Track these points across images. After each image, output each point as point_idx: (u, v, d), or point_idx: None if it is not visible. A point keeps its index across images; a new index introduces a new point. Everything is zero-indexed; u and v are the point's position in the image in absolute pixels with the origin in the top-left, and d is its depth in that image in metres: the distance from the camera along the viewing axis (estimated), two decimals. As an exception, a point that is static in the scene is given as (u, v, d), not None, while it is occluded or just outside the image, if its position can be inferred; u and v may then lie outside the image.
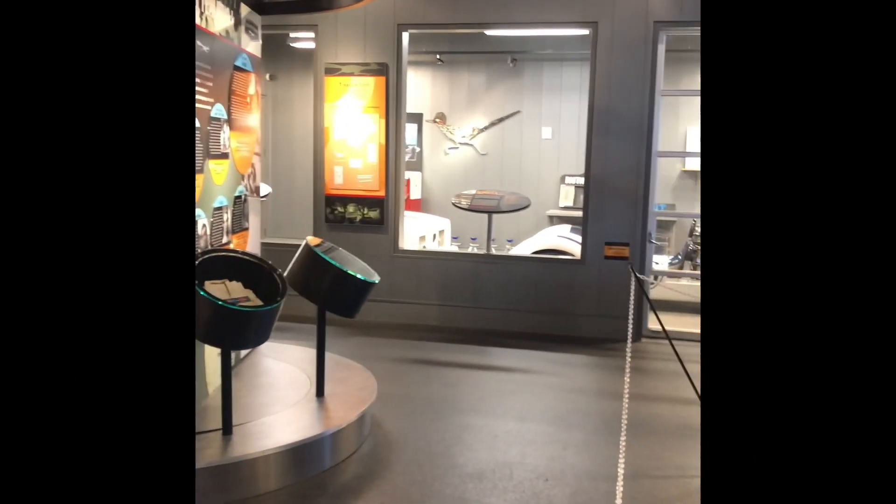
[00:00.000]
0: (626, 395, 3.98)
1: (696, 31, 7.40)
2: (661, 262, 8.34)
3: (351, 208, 7.52)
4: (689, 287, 8.09)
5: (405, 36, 7.37)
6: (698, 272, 8.42)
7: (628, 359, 4.27)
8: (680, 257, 8.73)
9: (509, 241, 9.73)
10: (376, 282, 4.50)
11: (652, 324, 7.00)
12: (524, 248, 8.35)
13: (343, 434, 4.19)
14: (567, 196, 10.88)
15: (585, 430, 4.77)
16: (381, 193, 7.44)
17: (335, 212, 7.57)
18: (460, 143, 11.32)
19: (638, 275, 5.24)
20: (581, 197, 10.40)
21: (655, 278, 7.56)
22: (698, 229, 8.77)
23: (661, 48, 6.85)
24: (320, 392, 4.57)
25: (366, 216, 7.49)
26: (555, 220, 10.52)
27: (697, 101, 10.97)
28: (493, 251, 8.24)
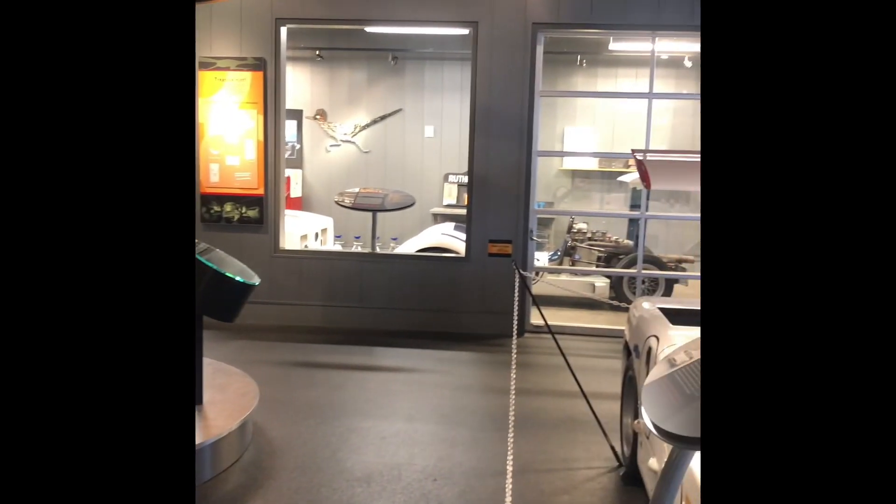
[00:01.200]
0: (513, 391, 4.02)
1: (572, 34, 7.61)
2: (541, 258, 8.53)
3: (228, 207, 7.23)
4: (569, 282, 8.32)
5: (283, 30, 7.16)
6: (577, 268, 8.67)
7: (514, 354, 4.32)
8: (559, 253, 8.96)
9: (394, 239, 9.68)
10: (256, 284, 4.33)
11: (534, 319, 7.14)
12: (409, 247, 8.32)
13: (223, 443, 4.00)
14: (450, 194, 10.95)
15: (472, 427, 4.79)
16: (260, 192, 7.20)
17: (211, 211, 7.26)
18: (342, 141, 11.16)
19: (522, 271, 5.32)
20: (464, 195, 10.52)
21: (537, 274, 7.73)
22: (576, 226, 9.03)
23: (540, 49, 6.99)
24: (198, 400, 4.35)
25: (244, 215, 7.23)
26: (439, 218, 10.56)
27: (574, 101, 11.27)
28: (378, 250, 8.16)
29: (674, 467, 1.76)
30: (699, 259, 8.23)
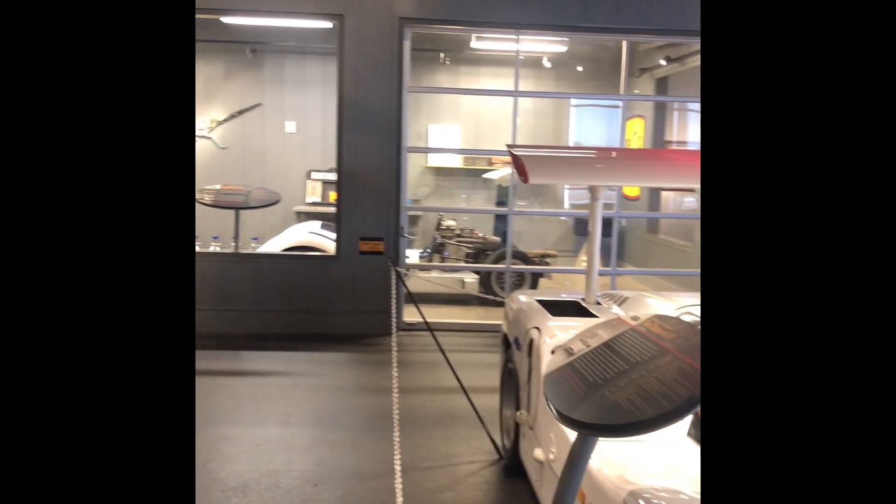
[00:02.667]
0: (396, 389, 3.95)
1: (437, 30, 7.63)
2: (411, 255, 8.51)
3: (75, 207, 6.68)
4: (439, 279, 8.35)
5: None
6: (447, 264, 8.72)
7: (395, 352, 4.25)
8: (429, 250, 8.97)
9: (255, 239, 9.32)
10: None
11: (407, 316, 7.10)
12: (273, 246, 8.04)
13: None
14: (315, 191, 10.70)
15: (351, 428, 4.67)
16: (112, 190, 6.69)
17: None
18: (198, 136, 10.63)
19: (397, 269, 5.26)
20: (329, 192, 10.30)
21: (408, 270, 7.69)
22: (444, 223, 9.08)
23: (407, 45, 6.96)
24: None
25: (94, 215, 6.70)
26: (303, 216, 10.28)
27: (438, 98, 11.32)
28: (239, 250, 7.83)
29: (578, 455, 1.76)
30: (561, 254, 8.54)
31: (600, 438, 1.87)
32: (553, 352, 3.19)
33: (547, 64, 10.63)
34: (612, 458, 2.35)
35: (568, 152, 4.84)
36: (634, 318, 2.09)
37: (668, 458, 2.40)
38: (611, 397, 1.64)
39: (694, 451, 2.39)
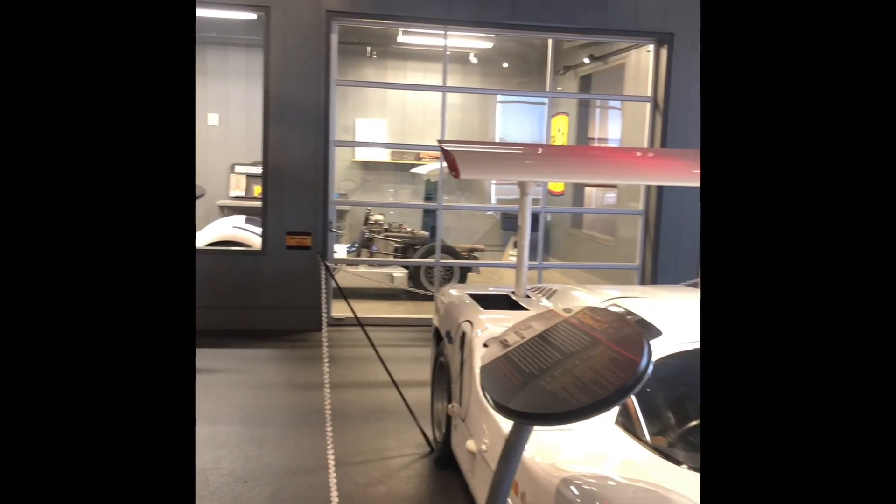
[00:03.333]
0: (328, 384, 3.93)
1: (364, 23, 7.59)
2: (339, 250, 8.45)
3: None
4: (368, 274, 8.32)
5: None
6: (375, 259, 8.70)
7: (325, 347, 4.23)
8: (357, 245, 8.93)
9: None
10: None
11: (335, 311, 7.06)
12: (196, 241, 7.86)
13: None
14: (238, 185, 10.49)
15: (280, 425, 4.63)
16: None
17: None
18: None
19: (327, 263, 5.23)
20: (254, 186, 10.11)
21: (336, 265, 7.64)
22: (372, 218, 9.06)
23: (334, 38, 6.90)
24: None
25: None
26: (226, 210, 10.07)
27: (365, 92, 11.25)
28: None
29: (514, 443, 1.81)
30: (489, 248, 8.64)
31: (535, 427, 1.93)
32: (486, 344, 3.24)
33: (473, 60, 10.72)
34: (543, 447, 2.41)
35: (499, 148, 4.91)
36: (567, 311, 2.15)
37: (597, 446, 2.48)
38: (546, 387, 1.69)
39: (621, 438, 2.48)
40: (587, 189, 11.08)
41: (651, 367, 1.58)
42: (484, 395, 1.89)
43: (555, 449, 2.42)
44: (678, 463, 2.29)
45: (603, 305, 3.18)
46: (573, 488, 2.05)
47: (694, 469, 2.25)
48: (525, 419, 1.71)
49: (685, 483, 2.07)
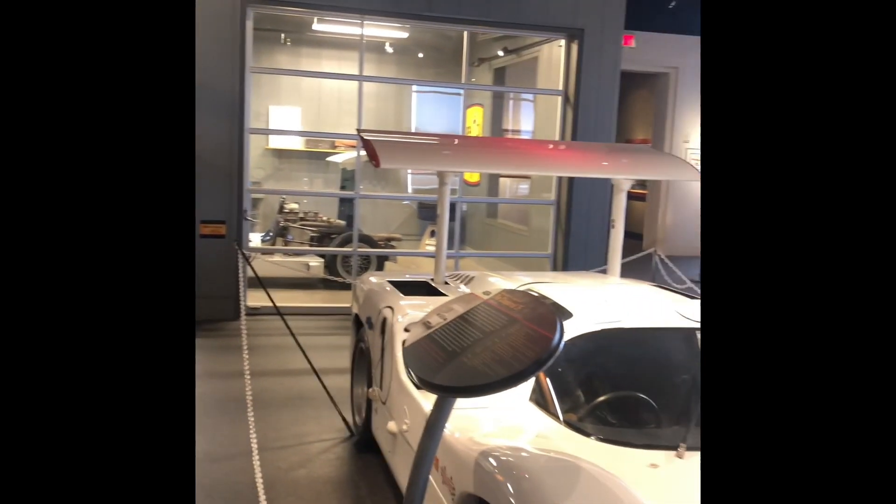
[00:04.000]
0: (248, 372, 3.95)
1: (281, 11, 7.53)
2: (254, 239, 8.37)
3: None
4: (284, 262, 8.28)
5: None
6: (289, 248, 8.66)
7: (244, 335, 4.23)
8: (272, 234, 8.86)
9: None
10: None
11: (250, 300, 7.01)
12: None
13: None
14: (147, 173, 10.19)
15: (199, 413, 4.60)
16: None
17: None
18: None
19: (244, 252, 5.21)
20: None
21: (251, 254, 7.57)
22: (287, 206, 9.00)
23: (249, 25, 6.82)
24: None
25: None
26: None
27: (279, 80, 11.10)
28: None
29: (437, 417, 1.92)
30: (406, 237, 8.70)
31: (456, 406, 2.05)
32: (407, 329, 3.35)
33: (389, 49, 10.76)
34: (462, 424, 2.54)
35: (418, 138, 5.01)
36: (486, 293, 2.28)
37: (513, 421, 2.62)
38: (468, 363, 1.81)
39: (535, 414, 2.63)
40: (502, 180, 11.32)
41: (563, 343, 1.72)
42: (408, 372, 1.99)
43: (473, 425, 2.55)
44: (588, 435, 2.46)
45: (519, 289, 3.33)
46: (491, 460, 2.17)
47: (601, 440, 2.43)
48: (449, 393, 1.82)
49: (594, 452, 2.23)
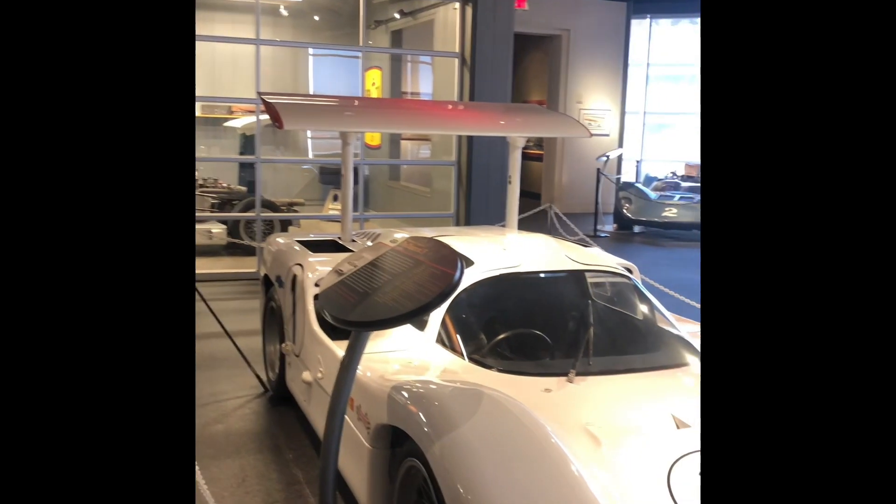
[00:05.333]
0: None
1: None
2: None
3: None
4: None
5: None
6: (197, 214, 8.53)
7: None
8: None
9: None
10: None
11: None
12: None
13: None
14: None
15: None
16: None
17: None
18: None
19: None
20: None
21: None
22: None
23: None
24: None
25: None
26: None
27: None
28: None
29: (354, 350, 2.10)
30: (308, 202, 8.70)
31: (367, 350, 2.24)
32: (317, 284, 3.50)
33: (284, 13, 10.63)
34: (373, 365, 2.73)
35: (321, 100, 5.09)
36: (393, 241, 2.46)
37: (420, 359, 2.84)
38: (379, 301, 1.99)
39: (441, 353, 2.86)
40: (403, 143, 11.46)
41: (462, 278, 1.93)
42: (323, 313, 2.16)
43: (384, 365, 2.76)
44: (489, 368, 2.70)
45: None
46: (403, 393, 2.38)
47: (501, 371, 2.68)
48: (364, 327, 2.01)
49: (495, 382, 2.48)
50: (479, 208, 8.11)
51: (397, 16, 10.29)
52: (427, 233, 4.02)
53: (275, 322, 4.29)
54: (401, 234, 4.19)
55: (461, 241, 3.46)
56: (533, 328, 2.96)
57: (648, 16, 14.42)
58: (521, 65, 14.95)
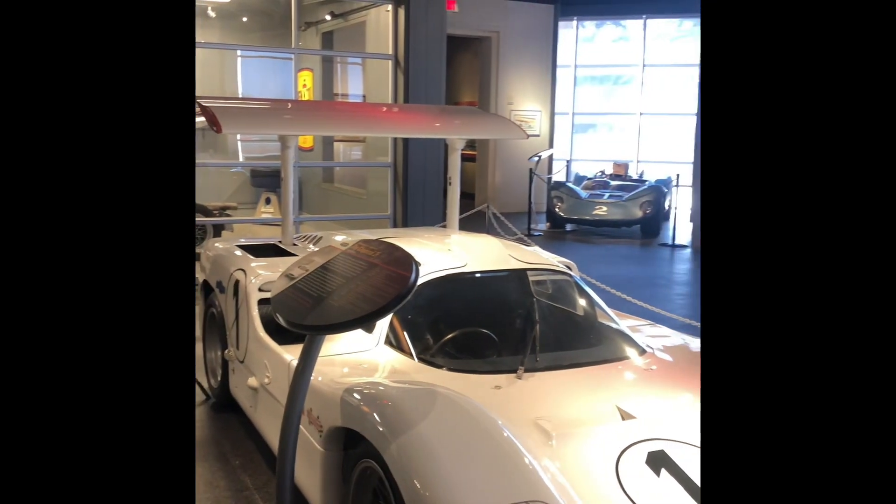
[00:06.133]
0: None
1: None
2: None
3: None
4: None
5: None
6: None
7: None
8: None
9: None
10: None
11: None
12: None
13: None
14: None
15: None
16: None
17: None
18: None
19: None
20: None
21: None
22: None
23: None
24: None
25: None
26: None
27: None
28: None
29: (308, 355, 2.12)
30: (241, 206, 8.58)
31: (321, 354, 2.25)
32: (262, 289, 3.48)
33: (212, 14, 10.44)
34: (324, 370, 2.75)
35: (259, 103, 5.04)
36: (344, 245, 2.48)
37: (370, 361, 2.87)
38: (335, 304, 2.01)
39: (391, 354, 2.89)
40: (336, 145, 11.40)
41: (418, 280, 1.96)
42: (277, 318, 2.16)
43: (334, 368, 2.77)
44: (439, 367, 2.75)
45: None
46: (355, 394, 2.40)
47: (451, 370, 2.73)
48: (320, 331, 2.02)
49: (446, 381, 2.53)
50: (415, 210, 8.16)
51: (328, 17, 10.24)
52: (368, 235, 4.04)
53: (216, 328, 4.23)
54: (341, 237, 4.21)
55: (406, 242, 3.50)
56: (480, 327, 3.02)
57: (575, 18, 14.74)
58: (452, 66, 15.06)
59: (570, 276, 3.44)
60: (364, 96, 10.53)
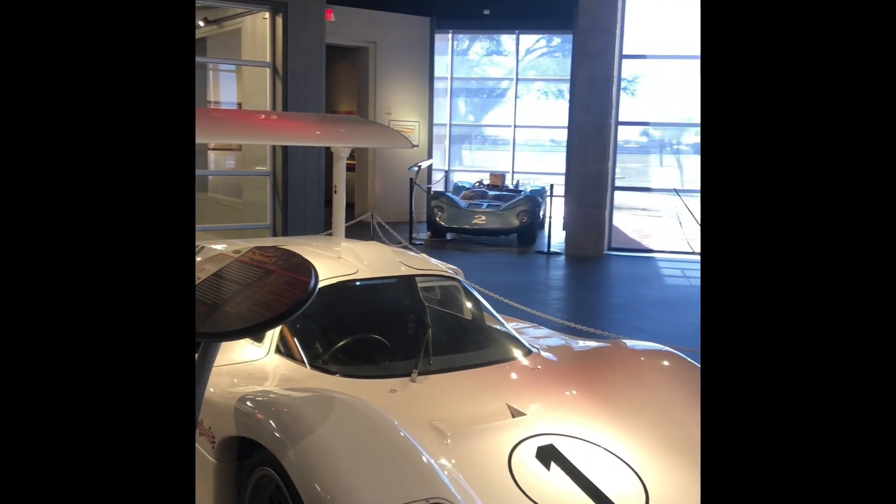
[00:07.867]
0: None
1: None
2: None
3: None
4: None
5: None
6: None
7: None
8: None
9: None
10: None
11: None
12: None
13: None
14: None
15: None
16: None
17: None
18: None
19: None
20: None
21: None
22: None
23: None
24: None
25: None
26: None
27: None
28: None
29: (203, 362, 2.08)
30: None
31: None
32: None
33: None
34: (214, 380, 2.69)
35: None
36: (236, 252, 2.45)
37: (261, 371, 2.84)
38: (232, 311, 2.00)
39: (282, 363, 2.87)
40: (209, 153, 11.08)
41: (318, 284, 1.98)
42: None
43: (224, 380, 2.73)
44: (333, 374, 2.76)
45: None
46: (248, 403, 2.38)
47: (345, 376, 2.75)
48: (218, 338, 1.99)
49: (340, 386, 2.55)
50: (296, 219, 8.07)
51: (201, 24, 9.96)
52: (249, 245, 3.98)
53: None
54: (221, 246, 4.12)
55: (295, 250, 3.49)
56: (373, 333, 3.06)
57: (450, 31, 15.04)
58: (329, 75, 14.99)
59: (458, 280, 3.54)
60: (240, 104, 10.31)
